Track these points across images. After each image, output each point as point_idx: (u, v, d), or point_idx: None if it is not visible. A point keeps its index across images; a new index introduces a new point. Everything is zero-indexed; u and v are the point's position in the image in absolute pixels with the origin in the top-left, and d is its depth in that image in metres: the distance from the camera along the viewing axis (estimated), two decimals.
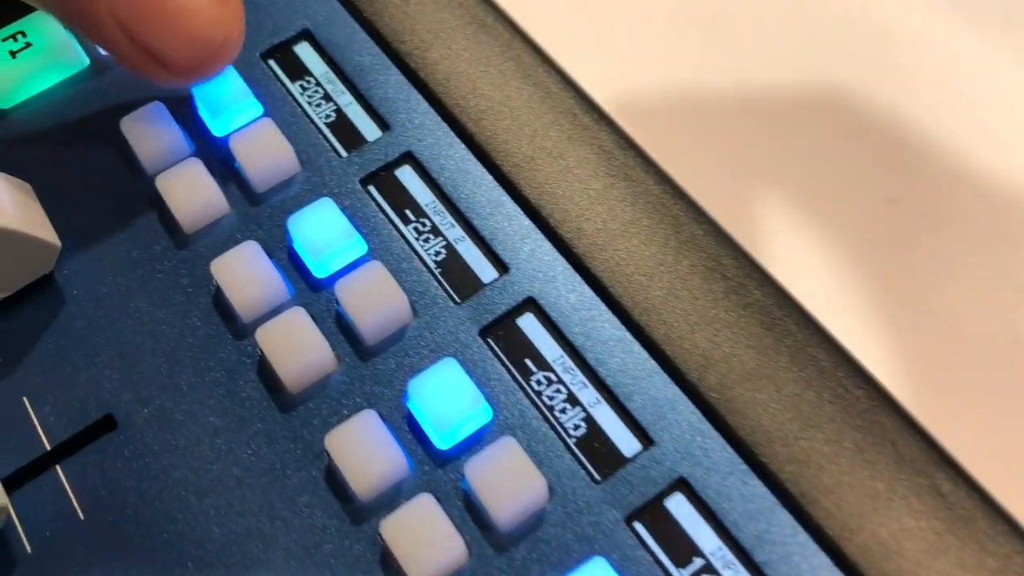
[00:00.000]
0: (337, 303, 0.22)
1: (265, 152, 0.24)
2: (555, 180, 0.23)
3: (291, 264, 0.23)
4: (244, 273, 0.22)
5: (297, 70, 0.26)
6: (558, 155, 0.24)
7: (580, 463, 0.20)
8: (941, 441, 0.20)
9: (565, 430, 0.21)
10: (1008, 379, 0.29)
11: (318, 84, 0.26)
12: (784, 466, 0.20)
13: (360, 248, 0.23)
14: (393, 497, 0.20)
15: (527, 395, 0.21)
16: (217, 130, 0.25)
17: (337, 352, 0.22)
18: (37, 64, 0.26)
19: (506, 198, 0.23)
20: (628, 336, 0.21)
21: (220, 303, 0.23)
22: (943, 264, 0.32)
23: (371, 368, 0.22)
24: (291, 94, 0.25)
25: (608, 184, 0.23)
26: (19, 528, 0.21)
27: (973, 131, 0.34)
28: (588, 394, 0.21)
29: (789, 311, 0.21)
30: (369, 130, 0.25)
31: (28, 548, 0.20)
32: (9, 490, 0.21)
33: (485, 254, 0.23)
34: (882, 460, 0.20)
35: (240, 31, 0.23)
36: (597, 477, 0.20)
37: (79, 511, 0.21)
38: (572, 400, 0.21)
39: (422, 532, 0.19)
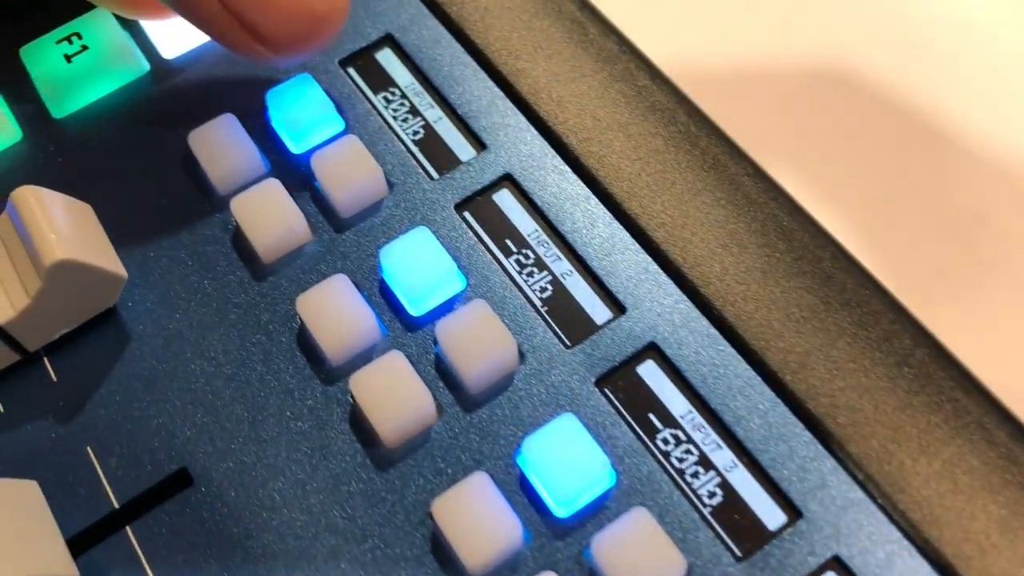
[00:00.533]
0: (436, 344, 0.20)
1: (352, 173, 0.21)
2: (672, 210, 0.21)
3: (383, 300, 0.21)
4: (334, 311, 0.20)
5: (380, 80, 0.24)
6: (672, 182, 0.22)
7: (721, 540, 0.18)
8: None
9: (699, 498, 0.18)
10: None
11: (403, 96, 0.23)
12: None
13: (459, 283, 0.21)
14: (509, 573, 0.18)
15: (653, 455, 0.19)
16: (295, 147, 0.23)
17: (439, 401, 0.20)
18: (94, 69, 0.24)
19: (620, 228, 0.21)
20: (767, 390, 0.19)
21: (305, 343, 0.20)
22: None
23: (476, 420, 0.19)
24: (375, 107, 0.23)
25: (732, 214, 0.21)
26: None
27: None
28: (723, 456, 0.19)
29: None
30: (462, 149, 0.22)
31: None
32: (75, 553, 0.19)
33: (597, 292, 0.21)
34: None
35: (346, 1, 0.21)
36: (739, 553, 0.18)
37: None
38: (705, 463, 0.19)
39: None
